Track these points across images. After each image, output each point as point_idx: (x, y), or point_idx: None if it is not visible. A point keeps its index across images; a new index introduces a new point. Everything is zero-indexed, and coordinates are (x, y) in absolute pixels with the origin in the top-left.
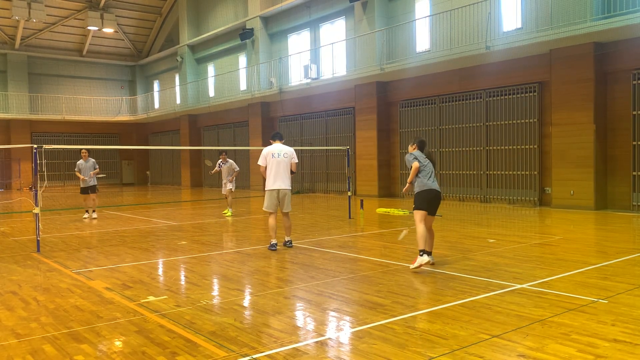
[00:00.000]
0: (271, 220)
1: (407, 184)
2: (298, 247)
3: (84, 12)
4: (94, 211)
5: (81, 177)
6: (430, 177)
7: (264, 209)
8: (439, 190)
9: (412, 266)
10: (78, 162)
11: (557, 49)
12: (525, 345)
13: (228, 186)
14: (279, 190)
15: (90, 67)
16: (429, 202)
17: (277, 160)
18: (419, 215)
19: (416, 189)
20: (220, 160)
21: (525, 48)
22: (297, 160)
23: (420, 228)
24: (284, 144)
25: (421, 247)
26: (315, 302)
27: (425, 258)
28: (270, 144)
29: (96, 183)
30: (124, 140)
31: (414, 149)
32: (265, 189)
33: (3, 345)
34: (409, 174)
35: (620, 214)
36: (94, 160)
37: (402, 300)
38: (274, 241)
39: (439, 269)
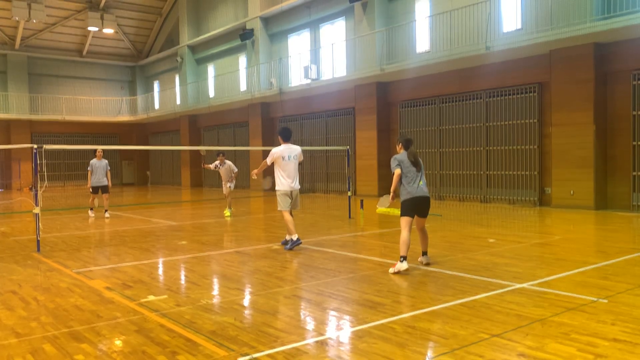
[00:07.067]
0: (288, 216)
1: (392, 193)
2: (298, 246)
3: (84, 13)
4: (106, 211)
5: (89, 181)
6: (414, 182)
7: (280, 209)
8: (425, 195)
9: (391, 270)
10: (91, 162)
11: (557, 49)
12: (525, 344)
13: (227, 185)
14: (294, 190)
15: (90, 68)
16: (415, 209)
17: (290, 163)
18: (404, 221)
19: (402, 197)
20: (218, 162)
21: (525, 49)
22: (302, 158)
23: (404, 234)
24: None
25: (403, 253)
26: (316, 302)
27: (404, 265)
28: (279, 142)
29: (107, 183)
30: (124, 141)
31: (400, 148)
32: (278, 189)
33: (3, 344)
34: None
35: (620, 214)
36: (107, 161)
37: (402, 300)
38: (296, 236)
39: (439, 268)
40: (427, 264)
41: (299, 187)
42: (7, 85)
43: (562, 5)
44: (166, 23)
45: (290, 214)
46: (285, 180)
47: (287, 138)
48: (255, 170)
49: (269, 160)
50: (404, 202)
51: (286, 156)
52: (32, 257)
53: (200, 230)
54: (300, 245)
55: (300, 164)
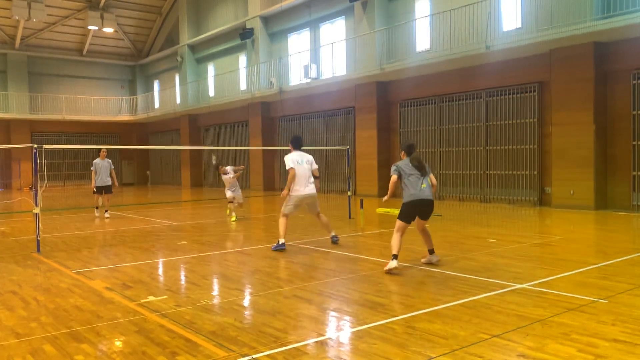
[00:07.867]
0: (285, 222)
1: (387, 196)
2: (298, 247)
3: (84, 12)
4: (106, 211)
5: (92, 181)
6: (416, 185)
7: (284, 211)
8: (427, 198)
9: (385, 268)
10: (95, 161)
11: (557, 48)
12: (525, 345)
13: (238, 191)
14: (308, 195)
15: (91, 67)
16: (415, 212)
17: (302, 167)
18: (398, 224)
19: (403, 199)
20: (224, 174)
21: (525, 48)
22: (316, 166)
23: (395, 237)
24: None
25: (394, 252)
26: (316, 302)
27: (394, 263)
28: (290, 149)
29: (111, 183)
30: (124, 140)
31: (404, 155)
32: (293, 193)
33: (3, 345)
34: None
35: (620, 214)
36: (110, 160)
37: (402, 300)
38: (282, 240)
39: (439, 268)
40: (437, 262)
41: (314, 192)
42: (7, 84)
43: (562, 4)
44: (166, 22)
45: (320, 216)
46: (301, 184)
47: (298, 146)
48: (285, 191)
49: (291, 165)
50: (404, 204)
51: (297, 160)
52: (32, 257)
53: (200, 231)
54: (284, 250)
55: (317, 177)
